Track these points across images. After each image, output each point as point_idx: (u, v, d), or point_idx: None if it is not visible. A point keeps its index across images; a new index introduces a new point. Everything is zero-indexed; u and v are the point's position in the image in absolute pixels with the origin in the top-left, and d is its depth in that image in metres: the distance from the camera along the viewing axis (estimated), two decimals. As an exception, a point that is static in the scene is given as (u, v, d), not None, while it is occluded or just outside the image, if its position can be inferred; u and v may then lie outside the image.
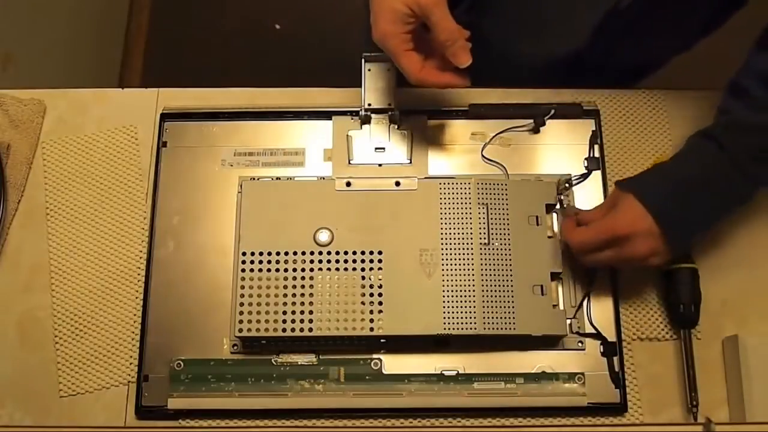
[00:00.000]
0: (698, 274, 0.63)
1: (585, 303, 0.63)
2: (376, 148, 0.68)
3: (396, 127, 0.68)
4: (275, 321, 0.60)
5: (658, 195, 0.57)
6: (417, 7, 0.55)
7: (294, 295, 0.60)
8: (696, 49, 0.78)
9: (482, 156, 0.68)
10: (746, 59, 0.59)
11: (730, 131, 0.57)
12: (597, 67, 0.72)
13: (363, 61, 0.68)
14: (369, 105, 0.68)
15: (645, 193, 0.57)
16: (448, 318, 0.60)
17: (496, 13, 0.72)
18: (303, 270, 0.61)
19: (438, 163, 0.68)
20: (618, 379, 0.62)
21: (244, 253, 0.62)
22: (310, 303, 0.60)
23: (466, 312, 0.60)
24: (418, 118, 0.69)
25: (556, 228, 0.65)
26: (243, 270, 0.61)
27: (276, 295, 0.60)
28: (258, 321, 0.60)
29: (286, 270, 0.61)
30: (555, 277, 0.63)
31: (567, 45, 0.71)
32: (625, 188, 0.59)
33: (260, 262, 0.61)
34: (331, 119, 0.69)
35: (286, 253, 0.62)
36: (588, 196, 0.67)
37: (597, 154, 0.68)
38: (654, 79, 0.83)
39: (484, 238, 0.62)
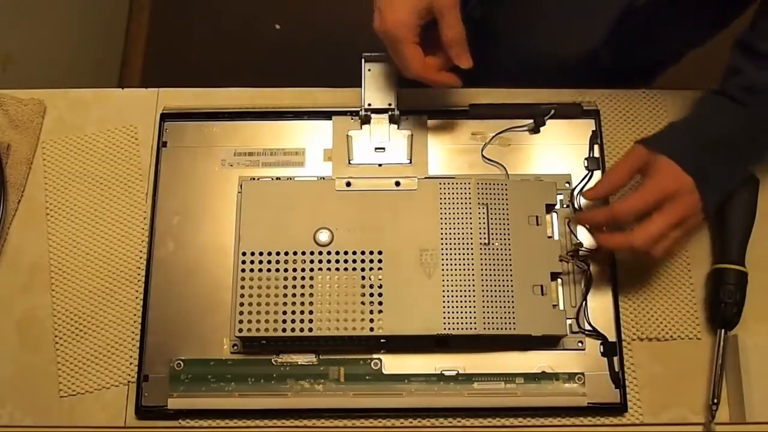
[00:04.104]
0: (747, 279, 0.64)
1: (584, 303, 0.63)
2: (376, 148, 0.68)
3: (396, 127, 0.68)
4: (275, 321, 0.60)
5: (691, 155, 0.58)
6: (436, 4, 0.57)
7: (294, 295, 0.60)
8: (696, 49, 0.78)
9: (482, 156, 0.68)
10: (753, 20, 0.61)
11: (747, 92, 0.59)
12: (612, 68, 0.72)
13: (363, 61, 0.68)
14: (369, 105, 0.68)
15: (679, 153, 0.58)
16: (448, 318, 0.60)
17: (510, 9, 0.72)
18: (303, 270, 0.61)
19: (438, 163, 0.68)
20: (618, 379, 0.62)
21: (244, 253, 0.62)
22: (310, 303, 0.60)
23: (466, 312, 0.60)
24: (418, 118, 0.69)
25: (556, 228, 0.65)
26: (243, 270, 0.61)
27: (276, 295, 0.60)
28: (258, 321, 0.60)
29: (286, 270, 0.61)
30: (555, 277, 0.63)
31: (583, 45, 0.71)
32: (657, 149, 0.59)
33: (260, 262, 0.61)
34: (331, 119, 0.69)
35: (286, 253, 0.62)
36: (588, 196, 0.67)
37: (597, 154, 0.68)
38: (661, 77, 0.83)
39: (484, 238, 0.62)
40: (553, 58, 0.72)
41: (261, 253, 0.62)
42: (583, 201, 0.66)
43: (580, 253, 0.64)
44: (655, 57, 0.74)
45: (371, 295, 0.60)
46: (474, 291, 0.60)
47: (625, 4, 0.65)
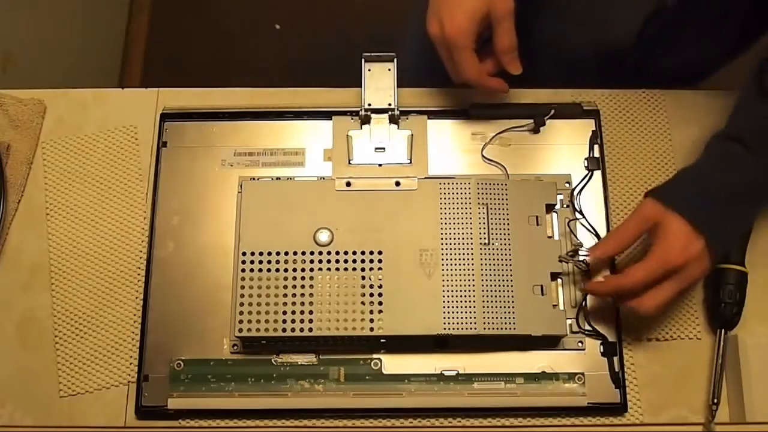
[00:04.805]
0: (747, 279, 0.64)
1: (584, 303, 0.63)
2: (376, 148, 0.68)
3: (396, 127, 0.68)
4: (275, 321, 0.60)
5: (705, 213, 0.56)
6: (494, 12, 0.59)
7: (294, 295, 0.60)
8: (722, 67, 0.77)
9: (482, 156, 0.68)
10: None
11: (762, 136, 0.57)
12: (638, 74, 0.72)
13: (363, 61, 0.68)
14: (369, 105, 0.68)
15: (694, 212, 0.56)
16: (448, 318, 0.60)
17: (547, 3, 0.72)
18: (303, 270, 0.61)
19: (438, 163, 0.68)
20: (618, 379, 0.62)
21: (244, 253, 0.62)
22: (310, 303, 0.60)
23: (466, 312, 0.60)
24: (418, 118, 0.69)
25: (556, 228, 0.65)
26: (243, 270, 0.61)
27: (276, 295, 0.60)
28: (258, 321, 0.60)
29: (286, 270, 0.61)
30: (555, 277, 0.63)
31: (613, 39, 0.70)
32: (670, 205, 0.57)
33: (260, 262, 0.61)
34: (331, 119, 0.69)
35: (286, 253, 0.62)
36: (588, 195, 0.67)
37: (597, 154, 0.68)
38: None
39: (484, 238, 0.62)
40: (585, 52, 0.72)
41: (261, 253, 0.62)
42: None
43: (580, 253, 0.64)
44: (680, 66, 0.73)
45: (371, 295, 0.60)
46: (474, 291, 0.60)
47: (657, 2, 0.65)
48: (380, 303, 0.60)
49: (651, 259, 0.56)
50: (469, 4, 0.59)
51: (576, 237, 0.65)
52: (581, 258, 0.62)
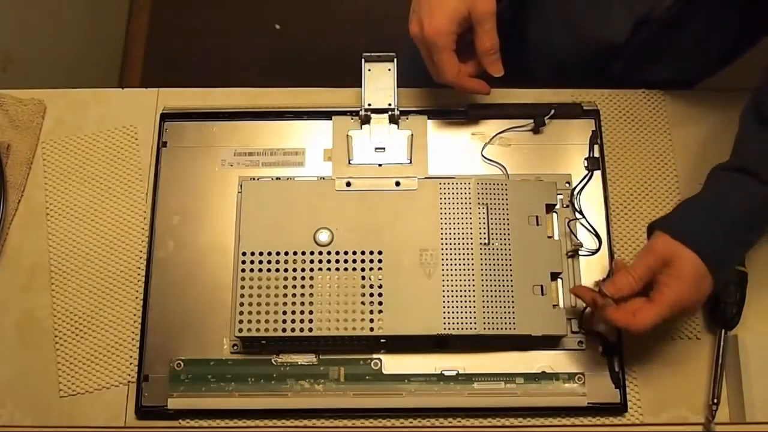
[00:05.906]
0: (747, 279, 0.64)
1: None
2: (376, 148, 0.68)
3: (396, 127, 0.68)
4: (275, 321, 0.60)
5: (716, 247, 0.56)
6: (475, 14, 0.59)
7: (294, 295, 0.60)
8: (703, 81, 0.77)
9: (482, 156, 0.68)
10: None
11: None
12: (626, 77, 0.72)
13: (363, 61, 0.68)
14: (369, 105, 0.68)
15: (706, 248, 0.55)
16: (448, 318, 0.60)
17: (536, 5, 0.72)
18: (303, 270, 0.61)
19: (438, 163, 0.68)
20: (618, 379, 0.62)
21: (244, 253, 0.62)
22: (310, 303, 0.60)
23: (466, 312, 0.60)
24: (418, 118, 0.69)
25: (556, 228, 0.65)
26: (243, 270, 0.61)
27: (276, 295, 0.60)
28: (258, 321, 0.60)
29: (286, 270, 0.61)
30: (555, 277, 0.63)
31: (602, 45, 0.70)
32: (682, 241, 0.56)
33: (260, 262, 0.61)
34: (331, 119, 0.69)
35: (286, 253, 0.62)
36: (588, 195, 0.67)
37: (597, 154, 0.68)
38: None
39: (484, 238, 0.62)
40: (574, 55, 0.72)
41: (261, 253, 0.62)
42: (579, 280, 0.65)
43: (580, 252, 0.64)
44: (669, 74, 0.73)
45: (371, 295, 0.60)
46: (474, 291, 0.60)
47: (645, 11, 0.65)
48: (380, 303, 0.60)
49: (663, 303, 0.55)
50: (449, 5, 0.59)
51: (576, 237, 0.65)
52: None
